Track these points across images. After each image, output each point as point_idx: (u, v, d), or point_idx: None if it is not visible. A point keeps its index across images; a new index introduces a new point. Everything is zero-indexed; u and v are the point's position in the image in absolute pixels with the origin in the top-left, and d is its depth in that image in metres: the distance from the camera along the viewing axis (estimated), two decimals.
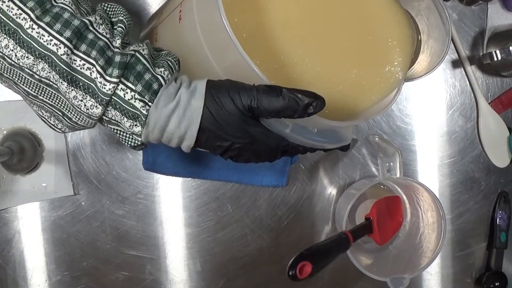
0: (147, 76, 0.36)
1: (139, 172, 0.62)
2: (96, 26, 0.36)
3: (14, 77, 0.36)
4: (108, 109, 0.36)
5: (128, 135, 0.38)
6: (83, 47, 0.35)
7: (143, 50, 0.37)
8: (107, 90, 0.35)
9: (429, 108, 0.65)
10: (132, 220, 0.63)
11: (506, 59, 0.59)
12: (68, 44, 0.34)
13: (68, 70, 0.34)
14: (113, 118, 0.37)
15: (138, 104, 0.36)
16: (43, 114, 0.41)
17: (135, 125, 0.36)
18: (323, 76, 0.43)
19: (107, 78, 0.35)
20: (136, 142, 0.38)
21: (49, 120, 0.41)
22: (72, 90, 0.35)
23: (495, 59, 0.59)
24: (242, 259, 0.64)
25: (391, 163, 0.59)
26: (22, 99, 0.60)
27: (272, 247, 0.64)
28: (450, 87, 0.65)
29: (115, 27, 0.38)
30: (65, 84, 0.35)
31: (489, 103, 0.65)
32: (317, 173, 0.64)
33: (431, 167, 0.66)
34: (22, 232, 0.63)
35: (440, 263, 0.67)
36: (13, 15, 0.33)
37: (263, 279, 0.64)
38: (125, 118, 0.36)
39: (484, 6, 0.65)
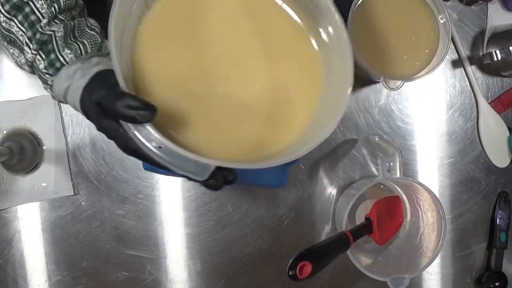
0: (52, 56, 0.43)
1: (139, 172, 0.62)
2: (36, 1, 0.43)
3: None
4: (34, 69, 0.45)
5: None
6: (20, 17, 0.43)
7: (57, 32, 0.44)
8: (28, 58, 0.44)
9: (429, 108, 0.65)
10: (132, 220, 0.63)
11: (506, 59, 0.59)
12: (7, 15, 0.43)
13: (7, 33, 0.44)
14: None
15: (47, 75, 0.44)
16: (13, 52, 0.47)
17: (48, 88, 0.45)
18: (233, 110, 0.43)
19: (31, 46, 0.43)
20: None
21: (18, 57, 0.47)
22: (11, 48, 0.45)
23: (495, 59, 0.59)
24: (242, 259, 0.64)
25: (391, 163, 0.59)
26: (22, 99, 0.61)
27: (272, 247, 0.64)
28: (450, 87, 0.65)
29: (54, 3, 0.44)
30: (5, 43, 0.45)
31: (489, 103, 0.65)
32: (317, 173, 0.64)
33: (431, 167, 0.66)
34: (22, 232, 0.63)
35: (440, 263, 0.67)
36: None
37: (263, 279, 0.64)
38: (42, 80, 0.45)
39: (484, 6, 0.65)
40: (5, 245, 0.63)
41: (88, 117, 0.42)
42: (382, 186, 0.65)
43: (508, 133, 0.65)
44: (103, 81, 0.41)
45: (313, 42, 0.44)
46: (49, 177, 0.62)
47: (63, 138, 0.61)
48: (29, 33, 0.43)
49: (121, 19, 0.39)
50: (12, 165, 0.60)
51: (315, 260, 0.47)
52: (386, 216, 0.59)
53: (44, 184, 0.62)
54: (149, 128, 0.37)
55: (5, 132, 0.61)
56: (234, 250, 0.64)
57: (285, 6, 0.44)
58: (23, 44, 0.43)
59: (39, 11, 0.43)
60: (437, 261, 0.66)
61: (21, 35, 0.43)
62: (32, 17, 0.43)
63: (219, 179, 0.43)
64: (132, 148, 0.41)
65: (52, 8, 0.43)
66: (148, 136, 0.37)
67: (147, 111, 0.37)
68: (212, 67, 0.43)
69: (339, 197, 0.64)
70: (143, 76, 0.42)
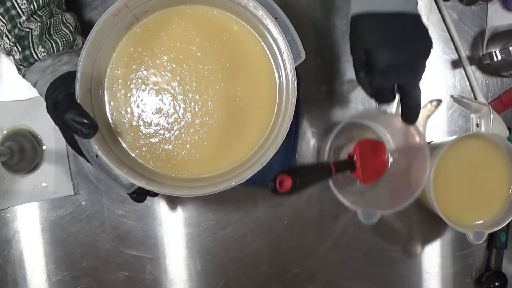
0: (27, 52, 0.48)
1: None
2: None
3: None
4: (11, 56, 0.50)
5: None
6: (1, 9, 0.47)
7: (34, 31, 0.48)
8: (6, 47, 0.49)
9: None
10: (132, 220, 0.63)
11: (506, 59, 0.59)
12: None
13: None
14: None
15: (21, 66, 0.50)
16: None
17: (20, 75, 0.51)
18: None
19: (9, 38, 0.48)
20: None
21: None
22: None
23: (495, 59, 0.59)
24: (242, 259, 0.64)
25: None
26: (22, 99, 0.61)
27: (272, 247, 0.64)
28: (450, 87, 0.65)
29: (33, 1, 0.48)
30: None
31: (489, 103, 0.65)
32: None
33: None
34: (22, 232, 0.63)
35: (440, 263, 0.67)
36: None
37: (263, 279, 0.64)
38: (16, 68, 0.50)
39: (484, 6, 0.65)
40: (5, 245, 0.63)
41: (47, 109, 0.48)
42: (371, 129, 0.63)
43: (508, 133, 0.65)
44: (66, 85, 0.46)
45: (276, 77, 0.49)
46: (49, 177, 0.62)
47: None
48: (9, 26, 0.48)
49: (103, 32, 0.45)
50: (12, 165, 0.60)
51: (295, 176, 0.47)
52: (370, 157, 0.59)
53: (44, 184, 0.62)
54: (90, 140, 0.44)
55: (5, 132, 0.61)
56: (234, 250, 0.64)
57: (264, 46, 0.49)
58: (2, 33, 0.48)
59: (19, 7, 0.47)
60: (437, 261, 0.66)
61: (2, 25, 0.48)
62: (13, 12, 0.47)
63: (142, 193, 0.52)
64: (76, 147, 0.47)
65: (31, 6, 0.47)
66: (88, 145, 0.45)
67: (89, 130, 0.42)
68: (181, 78, 0.49)
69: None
70: (112, 79, 0.48)
